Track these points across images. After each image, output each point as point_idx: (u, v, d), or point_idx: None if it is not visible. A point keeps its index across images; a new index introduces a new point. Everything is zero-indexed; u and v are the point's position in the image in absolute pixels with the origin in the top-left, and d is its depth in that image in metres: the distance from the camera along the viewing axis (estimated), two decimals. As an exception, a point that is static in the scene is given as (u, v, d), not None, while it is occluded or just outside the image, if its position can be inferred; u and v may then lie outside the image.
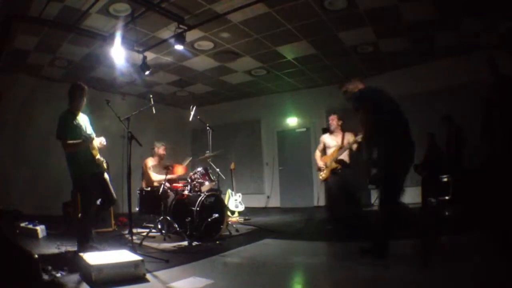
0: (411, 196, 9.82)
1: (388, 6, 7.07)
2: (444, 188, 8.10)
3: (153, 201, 6.69)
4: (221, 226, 6.46)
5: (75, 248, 4.93)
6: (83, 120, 5.25)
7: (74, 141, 4.90)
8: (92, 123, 5.43)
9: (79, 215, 5.14)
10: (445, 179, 8.11)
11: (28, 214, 6.67)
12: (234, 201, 9.67)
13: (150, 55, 8.66)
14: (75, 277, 3.78)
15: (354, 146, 6.72)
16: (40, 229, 6.27)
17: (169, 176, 6.91)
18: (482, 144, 7.95)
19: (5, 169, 8.25)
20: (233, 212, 9.53)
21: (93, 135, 5.26)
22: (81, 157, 5.01)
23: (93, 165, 5.13)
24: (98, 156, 5.20)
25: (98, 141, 5.29)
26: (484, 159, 7.84)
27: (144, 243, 5.70)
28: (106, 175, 5.37)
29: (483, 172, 7.48)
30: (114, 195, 5.39)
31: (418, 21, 7.66)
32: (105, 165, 5.34)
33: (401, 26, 7.91)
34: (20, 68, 9.16)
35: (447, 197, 8.00)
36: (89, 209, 4.97)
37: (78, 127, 5.07)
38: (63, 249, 5.17)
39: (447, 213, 7.68)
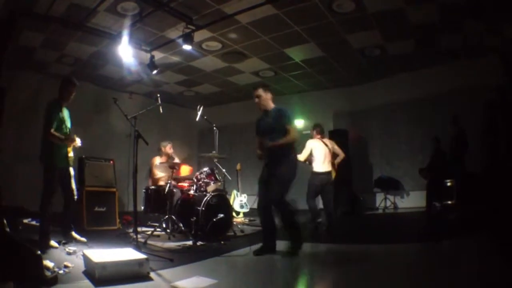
0: (416, 200, 9.87)
1: (395, 9, 7.06)
2: (448, 192, 8.08)
3: (159, 200, 6.72)
4: (226, 227, 6.46)
5: (75, 247, 4.98)
6: (66, 113, 5.60)
7: (59, 135, 5.26)
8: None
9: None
10: (449, 183, 8.08)
11: (31, 211, 6.67)
12: (240, 202, 9.66)
13: (157, 55, 8.69)
14: (78, 274, 3.78)
15: None
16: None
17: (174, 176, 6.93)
18: (484, 146, 7.97)
19: (9, 165, 8.27)
20: (238, 213, 9.52)
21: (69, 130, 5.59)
22: (58, 149, 5.35)
23: (64, 160, 5.44)
24: (70, 154, 5.55)
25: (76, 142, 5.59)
26: (486, 163, 7.85)
27: (149, 241, 5.70)
28: (71, 170, 5.63)
29: (486, 175, 7.48)
30: (75, 194, 5.65)
31: (424, 24, 7.63)
32: (71, 161, 5.65)
33: (408, 29, 7.88)
34: (26, 65, 9.19)
35: (450, 202, 8.00)
36: (48, 201, 5.21)
37: (62, 120, 5.42)
38: (65, 246, 5.16)
39: (451, 217, 7.66)
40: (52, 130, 5.21)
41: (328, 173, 7.36)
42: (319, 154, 7.36)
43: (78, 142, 5.58)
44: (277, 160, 5.01)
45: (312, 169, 7.44)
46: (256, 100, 5.39)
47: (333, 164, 7.51)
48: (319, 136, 7.59)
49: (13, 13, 6.42)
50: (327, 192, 7.40)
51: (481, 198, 7.29)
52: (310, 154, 7.41)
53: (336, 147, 7.64)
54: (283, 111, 5.17)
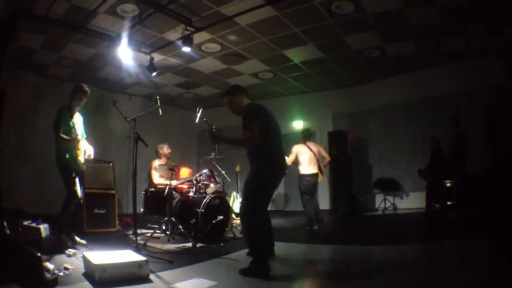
0: (416, 201, 9.87)
1: (394, 10, 7.07)
2: (448, 193, 8.10)
3: (158, 202, 6.70)
4: (226, 228, 6.47)
5: (75, 249, 4.99)
6: (78, 119, 5.74)
7: (65, 136, 5.38)
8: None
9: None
10: (449, 184, 8.10)
11: (31, 213, 6.66)
12: (239, 204, 9.66)
13: (157, 57, 8.69)
14: (78, 276, 3.78)
15: None
16: (43, 227, 6.25)
17: (174, 182, 6.93)
18: (484, 147, 7.96)
19: (9, 167, 8.26)
20: (237, 215, 9.51)
21: (84, 136, 5.74)
22: (69, 152, 5.42)
23: (75, 163, 5.47)
24: (80, 157, 5.55)
25: (88, 151, 5.71)
26: (487, 163, 7.84)
27: (148, 243, 5.70)
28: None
29: (486, 177, 7.48)
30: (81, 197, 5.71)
31: (424, 26, 7.65)
32: (84, 167, 5.70)
33: (408, 30, 7.90)
34: (26, 66, 9.18)
35: (450, 202, 8.01)
36: (69, 202, 5.35)
37: (71, 125, 5.47)
38: (66, 248, 5.15)
39: (450, 218, 7.67)
40: (60, 133, 5.32)
41: (314, 175, 7.76)
42: (304, 158, 7.75)
43: (91, 154, 5.74)
44: (250, 163, 4.58)
45: (298, 172, 7.84)
46: (228, 106, 4.83)
47: (319, 167, 7.85)
48: (303, 141, 7.96)
49: (14, 13, 6.42)
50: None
51: (481, 199, 7.30)
52: (296, 158, 7.80)
53: (322, 151, 8.05)
54: (245, 109, 4.61)
